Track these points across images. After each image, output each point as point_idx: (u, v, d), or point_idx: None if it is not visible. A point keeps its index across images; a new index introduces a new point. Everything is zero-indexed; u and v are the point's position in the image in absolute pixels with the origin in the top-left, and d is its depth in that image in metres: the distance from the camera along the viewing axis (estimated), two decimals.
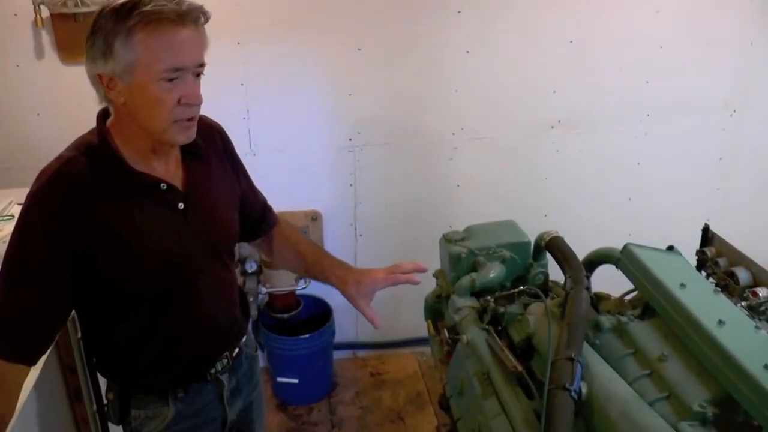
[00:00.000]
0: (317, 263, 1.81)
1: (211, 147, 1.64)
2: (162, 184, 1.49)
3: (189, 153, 1.57)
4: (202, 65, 1.42)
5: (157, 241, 1.49)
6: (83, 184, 1.40)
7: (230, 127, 1.74)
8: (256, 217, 1.84)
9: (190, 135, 1.46)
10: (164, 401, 1.63)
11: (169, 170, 1.53)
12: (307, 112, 3.10)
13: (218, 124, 1.72)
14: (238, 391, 1.79)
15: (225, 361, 1.71)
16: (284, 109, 3.07)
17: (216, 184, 1.64)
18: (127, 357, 1.59)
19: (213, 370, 1.68)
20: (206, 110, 1.69)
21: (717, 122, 3.56)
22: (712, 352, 1.57)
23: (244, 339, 1.80)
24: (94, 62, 1.38)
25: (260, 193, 1.87)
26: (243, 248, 3.16)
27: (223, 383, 1.72)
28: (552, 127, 3.33)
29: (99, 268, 1.43)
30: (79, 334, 1.97)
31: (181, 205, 1.52)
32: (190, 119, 1.43)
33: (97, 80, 1.40)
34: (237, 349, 1.76)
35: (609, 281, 2.11)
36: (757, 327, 1.68)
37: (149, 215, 1.48)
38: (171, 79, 1.36)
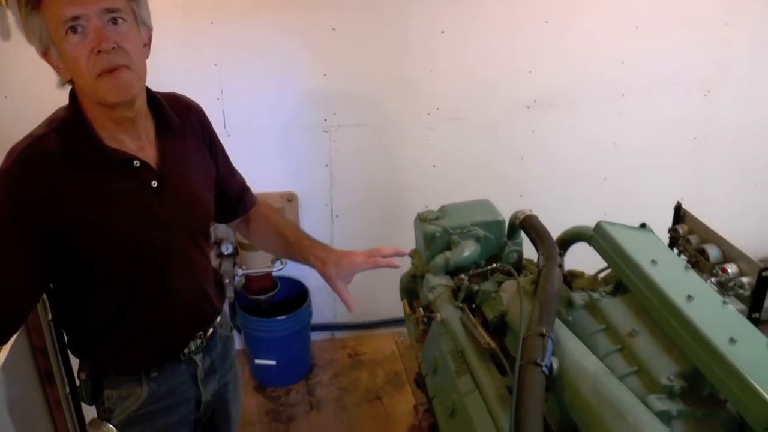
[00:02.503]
0: (296, 243, 1.81)
1: (187, 126, 1.62)
2: (135, 161, 1.47)
3: (163, 131, 1.56)
4: (110, 11, 1.35)
5: (129, 219, 1.47)
6: (54, 162, 1.38)
7: (204, 108, 1.72)
8: (234, 198, 1.83)
9: (120, 90, 1.39)
10: (137, 381, 1.62)
11: (142, 147, 1.51)
12: (282, 92, 3.08)
13: (197, 105, 1.70)
14: (213, 372, 1.78)
15: (199, 341, 1.70)
16: (258, 89, 3.05)
17: (191, 164, 1.62)
18: (100, 337, 1.58)
19: (187, 351, 1.67)
20: (179, 91, 1.69)
21: (692, 102, 3.59)
22: (681, 327, 1.59)
23: (218, 319, 1.79)
24: (31, 43, 1.37)
25: (239, 173, 1.86)
26: (219, 230, 3.15)
27: (197, 363, 1.71)
28: (528, 107, 3.33)
29: (71, 246, 1.42)
30: (50, 316, 1.95)
31: (154, 183, 1.50)
32: (113, 70, 1.36)
33: (45, 59, 1.39)
34: (211, 330, 1.75)
35: (583, 260, 2.12)
36: (724, 302, 1.70)
37: (122, 193, 1.46)
38: (75, 31, 1.32)
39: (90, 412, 1.72)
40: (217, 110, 3.01)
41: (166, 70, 2.68)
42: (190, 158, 1.62)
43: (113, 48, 1.35)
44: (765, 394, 1.33)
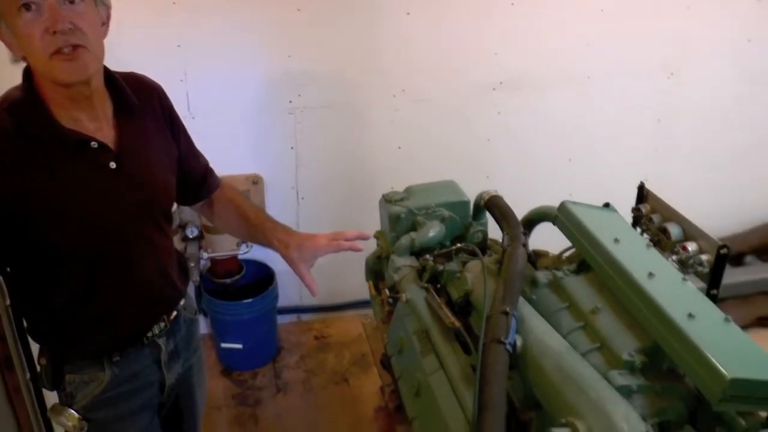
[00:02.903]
0: (259, 226, 1.79)
1: (147, 107, 1.60)
2: (92, 142, 1.44)
3: (122, 111, 1.53)
4: None
5: (87, 201, 1.45)
6: (6, 142, 1.35)
7: (167, 90, 1.70)
8: (197, 180, 1.80)
9: (74, 70, 1.36)
10: (100, 366, 1.61)
11: (100, 128, 1.48)
12: (246, 74, 3.04)
13: (158, 85, 1.67)
14: (177, 355, 1.77)
15: (162, 324, 1.68)
16: (223, 71, 3.00)
17: (152, 145, 1.59)
18: (61, 321, 1.56)
19: (150, 334, 1.66)
20: (141, 72, 1.66)
21: (656, 85, 3.63)
22: (642, 304, 1.61)
23: (182, 302, 1.77)
24: None
25: (202, 156, 1.84)
26: (184, 213, 3.11)
27: (160, 347, 1.69)
28: (493, 89, 3.33)
29: (28, 229, 1.39)
30: (8, 301, 1.91)
31: (113, 165, 1.48)
32: (69, 50, 1.34)
33: None
34: (175, 313, 1.73)
35: (549, 240, 2.13)
36: (684, 279, 1.72)
37: (79, 175, 1.44)
38: (28, 9, 1.29)
39: (51, 398, 1.70)
40: (181, 92, 2.97)
41: (128, 51, 2.65)
42: (150, 139, 1.59)
43: (69, 28, 1.32)
44: (720, 368, 1.35)
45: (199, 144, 1.84)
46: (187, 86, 2.98)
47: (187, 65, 2.94)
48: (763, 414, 1.47)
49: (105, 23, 1.46)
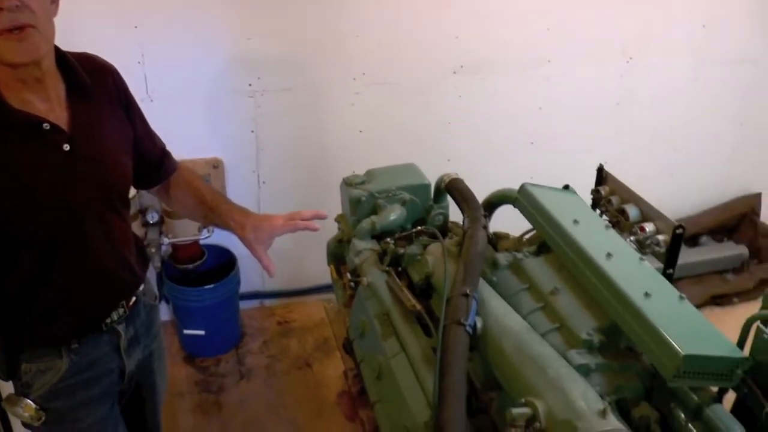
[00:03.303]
0: (216, 208, 1.77)
1: (101, 88, 1.56)
2: (45, 124, 1.41)
3: (75, 92, 1.50)
4: None
5: (40, 184, 1.42)
6: None
7: (124, 73, 1.67)
8: (153, 163, 1.77)
9: (24, 51, 1.34)
10: (57, 353, 1.58)
11: (52, 109, 1.45)
12: (205, 56, 2.99)
13: (112, 66, 1.64)
14: (136, 341, 1.75)
15: (121, 310, 1.66)
16: (181, 53, 2.95)
17: (106, 127, 1.56)
18: (16, 307, 1.53)
19: (109, 320, 1.63)
20: (96, 54, 1.62)
21: (615, 69, 3.66)
22: (600, 283, 1.63)
23: (141, 288, 1.75)
24: None
25: (159, 138, 1.81)
26: (144, 198, 3.06)
27: (119, 333, 1.67)
28: (454, 73, 3.33)
29: None
30: None
31: (66, 147, 1.45)
32: (15, 30, 1.31)
33: None
34: (134, 299, 1.71)
35: (511, 223, 2.15)
36: (641, 259, 1.75)
37: (31, 157, 1.41)
38: None
39: (7, 388, 1.67)
40: (139, 74, 2.91)
41: (82, 32, 2.59)
42: (104, 121, 1.56)
43: (16, 6, 1.29)
44: (674, 345, 1.38)
45: (158, 128, 1.81)
46: (144, 69, 2.92)
47: (144, 47, 2.89)
48: (714, 389, 1.50)
49: (54, 1, 1.43)
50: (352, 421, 2.81)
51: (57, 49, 1.46)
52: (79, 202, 1.48)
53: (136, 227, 2.99)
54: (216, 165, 3.15)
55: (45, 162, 1.43)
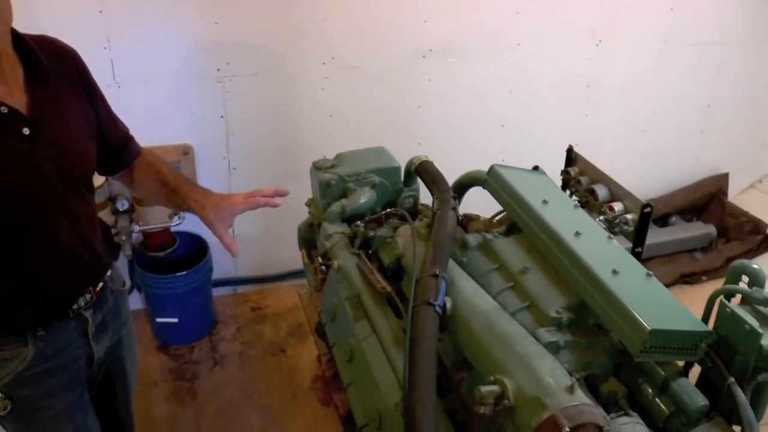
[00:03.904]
0: (178, 190, 1.75)
1: (62, 71, 1.53)
2: (2, 107, 1.38)
3: (34, 76, 1.47)
4: None
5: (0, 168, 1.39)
6: None
7: (90, 58, 1.63)
8: (117, 147, 1.74)
9: None
10: (22, 341, 1.55)
11: (9, 93, 1.42)
12: (173, 41, 2.95)
13: (72, 49, 1.60)
14: (105, 328, 1.73)
15: (88, 296, 1.64)
16: (148, 38, 2.90)
17: (68, 111, 1.53)
18: None
19: (75, 306, 1.61)
20: (60, 39, 1.59)
21: (584, 52, 3.68)
22: (569, 262, 1.64)
23: (109, 273, 1.73)
24: None
25: (121, 123, 1.78)
26: (113, 186, 3.03)
27: (87, 320, 1.65)
28: (424, 57, 3.33)
29: None
30: None
31: (26, 131, 1.42)
32: None
33: None
34: (101, 284, 1.69)
35: (483, 206, 2.15)
36: (609, 237, 1.77)
37: None
38: None
39: None
40: (105, 60, 2.86)
41: (44, 16, 2.55)
42: (66, 105, 1.53)
43: None
44: (641, 320, 1.39)
45: (126, 114, 1.78)
46: (111, 54, 2.87)
47: (110, 32, 2.84)
48: (680, 363, 1.53)
49: None
50: (326, 406, 2.82)
51: (14, 32, 1.43)
52: (41, 187, 1.46)
53: (106, 215, 2.95)
54: (186, 151, 3.12)
55: (4, 146, 1.40)
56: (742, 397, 1.39)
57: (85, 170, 1.60)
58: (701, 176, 4.33)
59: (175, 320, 3.17)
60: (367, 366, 1.75)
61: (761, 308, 1.48)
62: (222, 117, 3.14)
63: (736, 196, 4.45)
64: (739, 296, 1.53)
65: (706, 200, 4.28)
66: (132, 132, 1.81)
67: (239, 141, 3.21)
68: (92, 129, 1.61)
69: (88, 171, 1.62)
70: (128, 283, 3.13)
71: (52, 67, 1.49)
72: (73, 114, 1.55)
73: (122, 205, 3.05)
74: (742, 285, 1.53)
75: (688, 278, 3.79)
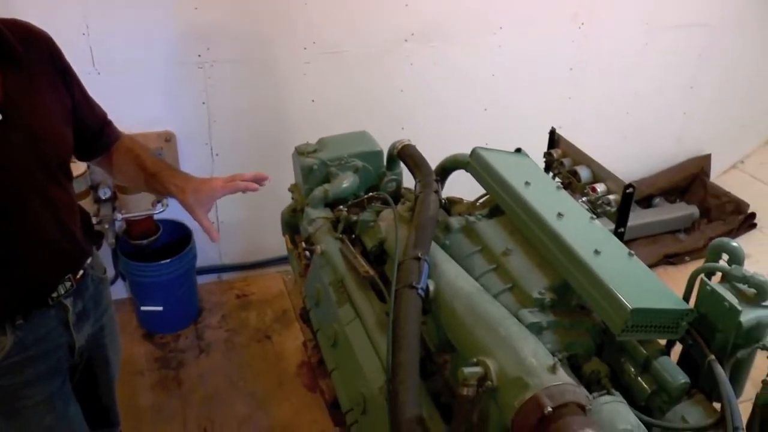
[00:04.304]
0: (157, 174, 1.73)
1: (34, 56, 1.50)
2: None
3: (5, 60, 1.44)
4: None
5: None
6: None
7: (68, 44, 1.61)
8: (94, 132, 1.72)
9: None
10: (1, 330, 1.53)
11: None
12: (152, 26, 2.91)
13: (44, 33, 1.57)
14: (85, 316, 1.71)
15: (68, 284, 1.62)
16: (128, 23, 2.86)
17: (41, 96, 1.51)
18: None
19: (55, 294, 1.59)
20: (37, 25, 1.56)
21: (567, 35, 3.67)
22: (551, 243, 1.65)
23: (89, 261, 1.71)
24: None
25: (99, 107, 1.75)
26: (95, 174, 3.00)
27: (67, 308, 1.63)
28: (406, 41, 3.31)
29: None
30: None
31: None
32: None
33: None
34: (81, 272, 1.67)
35: (467, 188, 2.15)
36: (592, 218, 1.77)
37: None
38: None
39: None
40: (83, 46, 2.82)
41: (19, 2, 2.51)
42: (40, 89, 1.51)
43: None
44: (622, 299, 1.40)
45: (107, 101, 1.76)
46: (89, 40, 2.83)
47: (88, 17, 2.79)
48: (661, 342, 1.54)
49: None
50: (312, 392, 2.83)
51: None
52: (17, 173, 1.44)
53: (88, 203, 2.92)
54: (168, 138, 3.10)
55: None
56: (722, 374, 1.40)
57: (61, 156, 1.58)
58: (684, 157, 4.35)
59: (160, 308, 3.15)
60: (351, 350, 1.75)
61: (740, 286, 1.49)
62: (204, 103, 3.11)
63: (718, 176, 4.47)
64: (719, 274, 1.54)
65: (689, 181, 4.30)
66: (113, 119, 1.79)
67: (221, 127, 3.19)
68: (68, 113, 1.59)
69: (65, 156, 1.60)
70: (111, 271, 3.11)
71: (24, 51, 1.46)
72: (48, 99, 1.52)
73: (104, 193, 3.02)
74: (722, 263, 1.54)
75: (672, 259, 3.81)
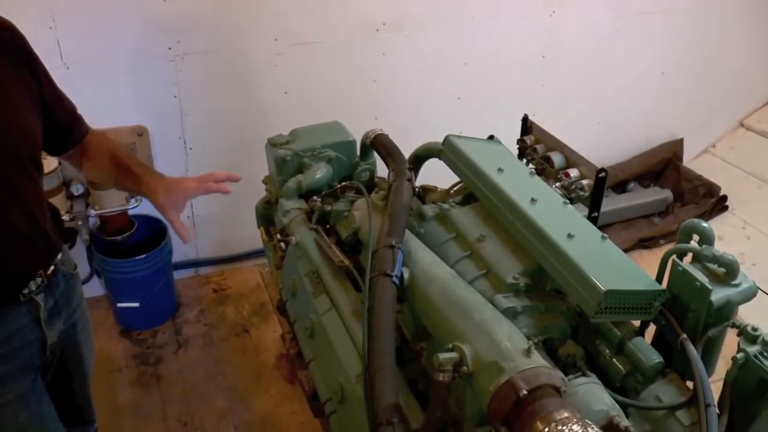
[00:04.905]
0: (128, 172, 1.72)
1: None
2: None
3: None
4: None
5: None
6: None
7: (35, 38, 1.58)
8: (64, 125, 1.69)
9: None
10: None
11: None
12: (121, 20, 2.87)
13: (8, 22, 1.54)
14: (57, 312, 1.69)
15: (39, 280, 1.60)
16: (96, 16, 2.83)
17: (7, 86, 1.48)
18: None
19: (26, 291, 1.57)
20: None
21: (539, 22, 3.68)
22: (525, 228, 1.65)
23: (59, 256, 1.69)
24: None
25: (68, 99, 1.72)
26: (67, 170, 2.96)
27: (38, 304, 1.61)
28: (377, 30, 3.30)
29: None
30: None
31: None
32: None
33: None
34: (52, 268, 1.65)
35: (441, 177, 2.15)
36: (565, 203, 1.78)
37: None
38: None
39: None
40: (51, 40, 2.78)
41: None
42: (5, 79, 1.48)
43: None
44: (595, 281, 1.41)
45: (77, 96, 1.73)
46: (57, 34, 2.79)
47: (54, 11, 2.75)
48: (636, 323, 1.55)
49: None
50: (291, 384, 2.82)
51: None
52: None
53: (60, 200, 2.89)
54: (140, 132, 3.07)
55: None
56: (694, 353, 1.42)
57: (30, 148, 1.55)
58: (657, 142, 4.39)
59: (137, 305, 3.13)
60: (328, 341, 1.75)
61: (711, 265, 1.51)
62: (175, 96, 3.09)
63: (690, 161, 4.51)
64: (691, 255, 1.56)
65: (662, 166, 4.34)
66: (84, 114, 1.76)
67: (194, 121, 3.17)
68: (35, 104, 1.56)
69: (34, 148, 1.57)
70: (86, 268, 3.09)
71: None
72: (14, 90, 1.49)
73: (77, 189, 2.99)
74: (693, 244, 1.56)
75: (647, 242, 3.85)
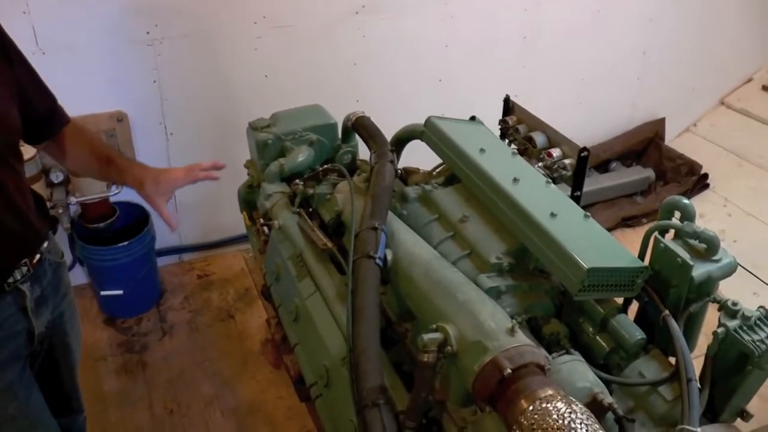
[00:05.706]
0: (112, 163, 1.70)
1: None
2: None
3: None
4: None
5: None
6: None
7: (9, 24, 1.55)
8: (43, 114, 1.66)
9: None
10: None
11: None
12: (98, 3, 2.82)
13: None
14: (44, 301, 1.67)
15: (25, 269, 1.58)
16: (71, 0, 2.79)
17: None
18: None
19: (11, 280, 1.55)
20: None
21: (519, 3, 3.66)
22: (507, 208, 1.65)
23: (45, 245, 1.67)
24: None
25: (47, 88, 1.68)
26: (46, 158, 2.93)
27: (25, 293, 1.59)
28: (356, 13, 3.27)
29: None
30: None
31: None
32: None
33: None
34: (38, 256, 1.63)
35: (424, 158, 2.15)
36: (548, 182, 1.78)
37: None
38: None
39: None
40: (25, 26, 2.72)
41: None
42: None
43: None
44: (578, 259, 1.41)
45: (54, 82, 1.70)
46: (31, 19, 2.73)
47: None
48: (619, 300, 1.56)
49: None
50: (277, 368, 2.83)
51: None
52: None
53: (40, 188, 2.85)
54: (120, 118, 3.03)
55: None
56: (676, 329, 1.43)
57: (8, 136, 1.52)
58: (639, 122, 4.41)
59: (120, 292, 3.10)
60: (312, 324, 1.75)
61: (692, 241, 1.52)
62: (155, 81, 3.05)
63: (672, 140, 4.54)
64: (672, 232, 1.57)
65: (645, 145, 4.36)
66: (61, 101, 1.72)
67: (174, 106, 3.13)
68: (12, 91, 1.53)
69: (13, 136, 1.54)
70: (68, 257, 3.06)
71: None
72: None
73: (57, 177, 2.95)
74: (675, 221, 1.57)
75: (630, 221, 3.87)
